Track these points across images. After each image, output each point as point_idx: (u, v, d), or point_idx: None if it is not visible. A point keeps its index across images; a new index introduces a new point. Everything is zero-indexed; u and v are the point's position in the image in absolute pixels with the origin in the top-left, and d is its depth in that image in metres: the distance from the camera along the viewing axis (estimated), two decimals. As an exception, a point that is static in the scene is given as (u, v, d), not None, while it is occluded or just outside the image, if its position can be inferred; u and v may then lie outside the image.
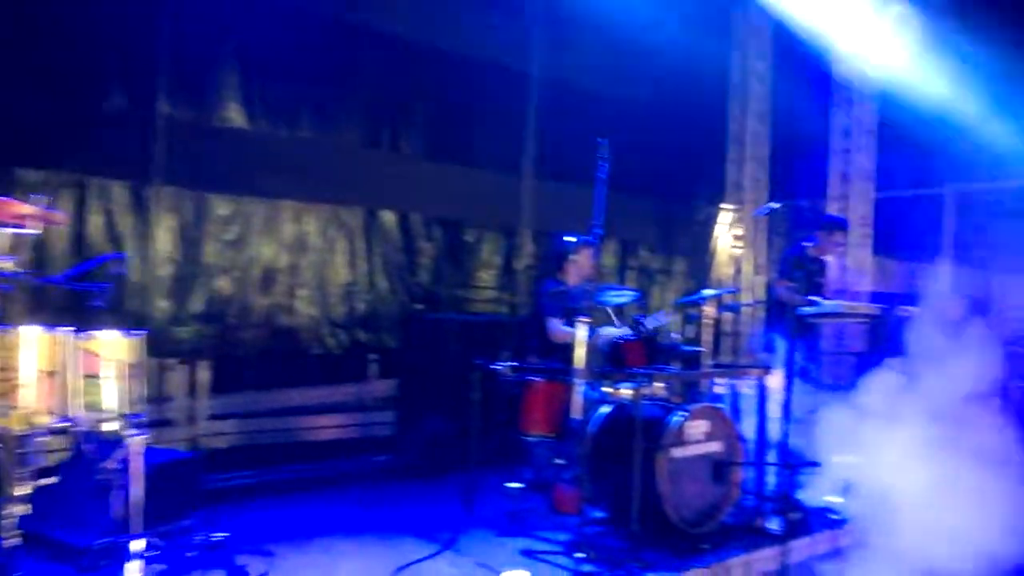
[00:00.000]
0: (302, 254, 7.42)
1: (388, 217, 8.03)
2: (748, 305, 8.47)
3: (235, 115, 6.98)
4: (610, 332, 4.81)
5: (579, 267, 5.16)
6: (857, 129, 9.11)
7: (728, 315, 8.96)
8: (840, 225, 6.11)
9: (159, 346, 6.60)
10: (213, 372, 6.50)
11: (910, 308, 5.68)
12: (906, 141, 8.84)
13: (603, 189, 3.76)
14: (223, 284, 6.95)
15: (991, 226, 9.56)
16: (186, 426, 6.24)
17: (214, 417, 6.44)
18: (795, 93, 9.32)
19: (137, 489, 3.40)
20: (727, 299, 7.67)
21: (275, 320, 7.25)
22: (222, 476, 5.59)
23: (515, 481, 4.62)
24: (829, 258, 6.27)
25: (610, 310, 4.90)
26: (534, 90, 8.82)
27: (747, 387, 4.68)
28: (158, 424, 6.04)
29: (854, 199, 9.08)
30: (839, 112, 9.19)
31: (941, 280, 9.56)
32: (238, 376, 6.89)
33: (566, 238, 5.18)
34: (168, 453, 4.26)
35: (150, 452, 3.62)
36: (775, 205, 4.75)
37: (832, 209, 9.05)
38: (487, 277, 8.75)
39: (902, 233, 9.21)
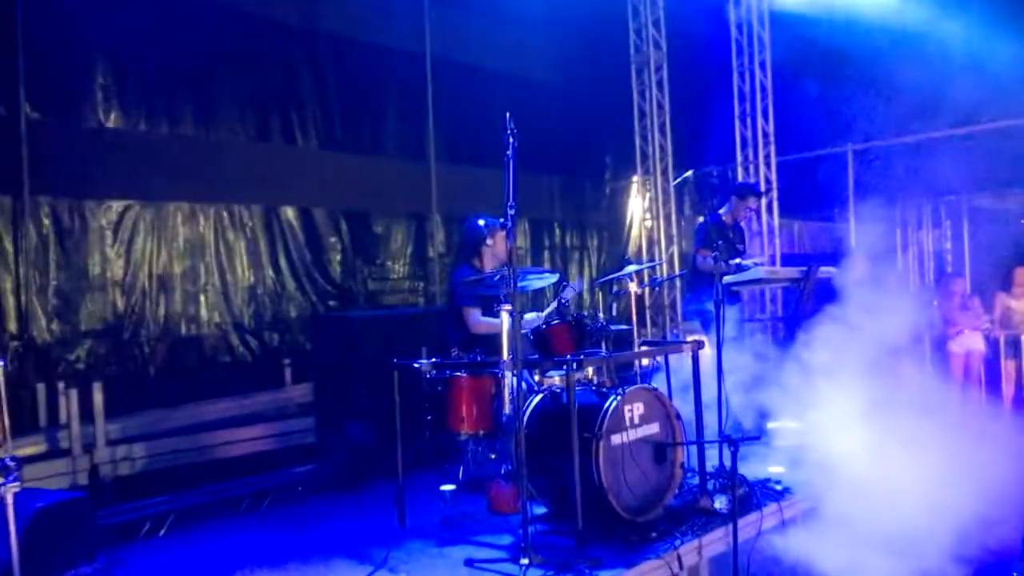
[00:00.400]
0: (199, 258, 7.10)
1: (290, 213, 7.68)
2: (670, 279, 8.45)
3: (111, 115, 6.57)
4: (534, 317, 4.61)
5: (494, 252, 4.92)
6: (757, 92, 9.19)
7: (651, 289, 8.94)
8: (753, 190, 6.09)
9: (46, 370, 6.15)
10: (110, 393, 5.98)
11: (829, 269, 5.70)
12: (807, 101, 8.97)
13: (513, 167, 3.53)
14: (113, 297, 6.60)
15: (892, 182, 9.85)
16: (83, 456, 5.71)
17: (114, 442, 5.93)
18: (696, 59, 9.33)
19: (12, 544, 2.96)
20: (649, 273, 7.62)
21: (176, 331, 6.92)
22: (128, 507, 5.16)
23: (448, 483, 4.38)
24: (742, 223, 6.25)
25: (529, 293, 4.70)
26: (434, 73, 8.61)
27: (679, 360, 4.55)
28: (50, 456, 5.61)
29: (757, 162, 9.17)
30: (739, 76, 9.25)
31: (849, 238, 9.82)
32: (139, 395, 6.50)
33: (479, 222, 4.93)
34: (50, 495, 3.79)
35: (26, 497, 3.18)
36: (688, 174, 4.60)
37: (739, 174, 9.13)
38: (400, 268, 8.53)
39: (809, 193, 9.37)
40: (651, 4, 9.47)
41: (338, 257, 8.03)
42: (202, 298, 7.06)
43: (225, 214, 7.23)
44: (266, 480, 5.81)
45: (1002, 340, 8.18)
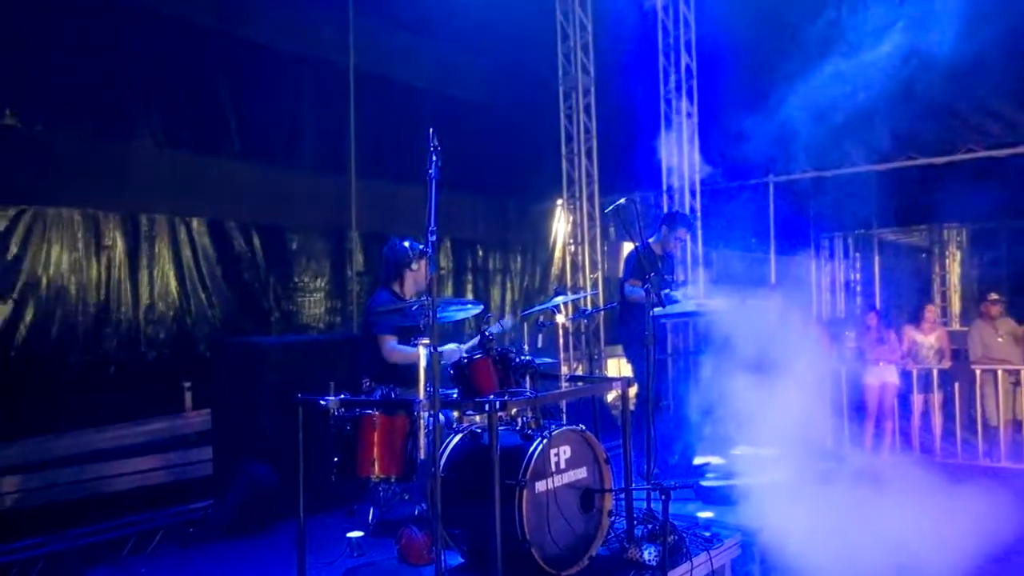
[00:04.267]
0: (96, 270, 6.57)
1: (199, 225, 7.20)
2: (597, 310, 8.29)
3: (5, 113, 6.02)
4: (454, 349, 4.32)
5: (417, 277, 4.63)
6: (684, 121, 9.19)
7: (580, 321, 8.77)
8: (684, 221, 5.98)
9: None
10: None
11: (757, 302, 5.63)
12: (732, 131, 9.01)
13: (435, 186, 3.25)
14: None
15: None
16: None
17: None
18: (625, 85, 9.30)
19: None
20: (581, 304, 7.45)
21: (65, 349, 6.36)
22: (-2, 550, 4.59)
23: (355, 528, 4.03)
24: (675, 252, 6.16)
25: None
26: (357, 86, 8.34)
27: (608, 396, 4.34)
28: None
29: (682, 191, 9.16)
30: (665, 103, 9.24)
31: (768, 268, 9.93)
32: (17, 421, 5.89)
33: (404, 244, 4.63)
34: None
35: None
36: (621, 201, 4.43)
37: (664, 202, 9.10)
38: (317, 285, 8.14)
39: (731, 223, 9.41)
40: (580, 29, 9.41)
41: (250, 274, 7.60)
42: (96, 314, 6.50)
43: (128, 223, 6.73)
44: (156, 518, 5.32)
45: (915, 374, 8.35)
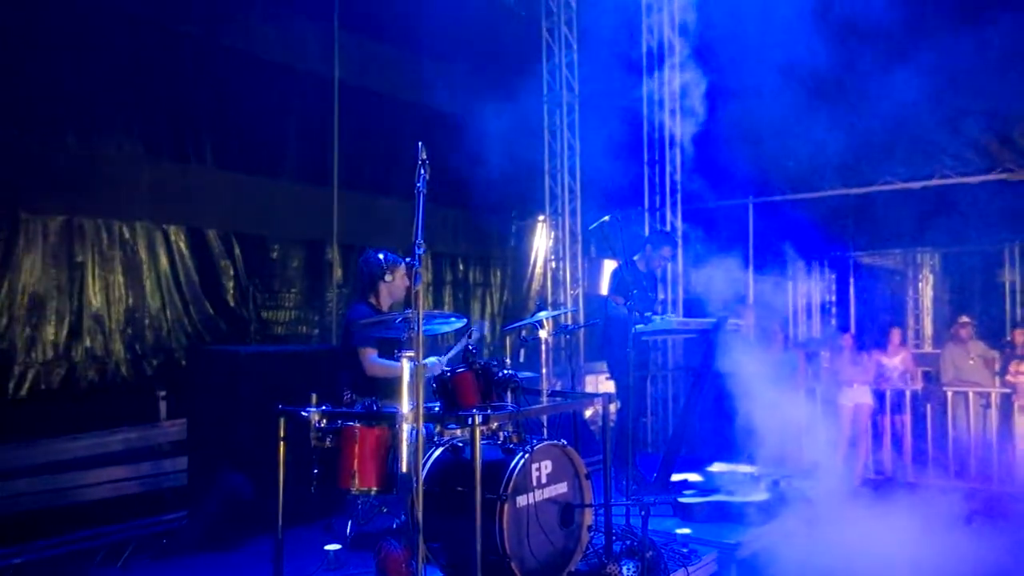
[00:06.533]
0: (73, 277, 6.46)
1: (176, 233, 7.11)
2: (578, 327, 8.32)
3: None
4: (436, 363, 4.31)
5: (391, 289, 4.62)
6: (666, 141, 9.30)
7: (561, 336, 8.79)
8: (668, 240, 6.05)
9: None
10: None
11: (737, 321, 5.68)
12: (712, 154, 9.14)
13: (422, 200, 3.26)
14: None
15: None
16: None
17: (-52, 485, 5.21)
18: (609, 103, 9.39)
19: None
20: (560, 320, 7.48)
21: (39, 355, 6.23)
22: (-37, 563, 4.48)
23: (333, 541, 3.99)
24: (657, 271, 6.21)
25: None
26: (341, 98, 8.33)
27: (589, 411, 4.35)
28: None
29: (665, 210, 9.25)
30: (648, 124, 9.34)
31: (746, 288, 10.03)
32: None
33: (379, 256, 4.62)
34: None
35: None
36: (605, 219, 4.46)
37: (646, 220, 9.18)
38: (296, 296, 8.08)
39: (713, 242, 9.50)
40: (566, 48, 9.51)
41: (230, 283, 7.52)
42: (73, 319, 6.40)
43: (104, 230, 6.62)
44: (128, 530, 5.22)
45: (888, 395, 8.46)
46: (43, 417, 6.12)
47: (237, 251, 7.59)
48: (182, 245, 7.20)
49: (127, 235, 6.81)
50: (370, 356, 4.41)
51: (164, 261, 7.05)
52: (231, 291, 7.54)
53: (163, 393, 6.80)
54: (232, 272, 7.55)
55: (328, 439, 3.56)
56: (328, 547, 4.00)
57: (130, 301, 6.80)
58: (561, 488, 3.72)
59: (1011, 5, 7.34)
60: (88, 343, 6.52)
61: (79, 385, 6.46)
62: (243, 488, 4.83)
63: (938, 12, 7.92)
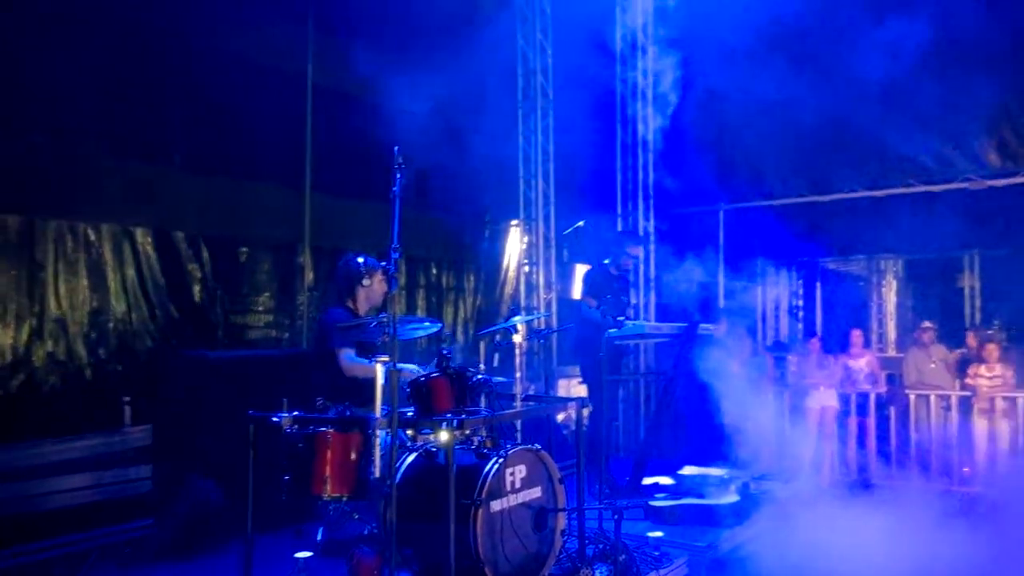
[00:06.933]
0: (33, 280, 6.29)
1: (142, 235, 6.99)
2: (551, 331, 8.32)
3: None
4: (413, 370, 4.28)
5: (369, 293, 4.59)
6: (639, 147, 9.37)
7: (535, 341, 8.79)
8: (633, 238, 6.08)
9: None
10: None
11: (708, 326, 5.73)
12: (685, 162, 9.22)
13: (398, 204, 3.25)
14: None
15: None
16: None
17: None
18: (583, 109, 9.43)
19: None
20: (534, 324, 7.47)
21: (-1, 358, 6.10)
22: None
23: (304, 548, 3.93)
24: (628, 273, 6.25)
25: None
26: (314, 100, 8.26)
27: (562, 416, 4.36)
28: None
29: (638, 214, 9.31)
30: (622, 129, 9.41)
31: (717, 293, 10.13)
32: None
33: (358, 259, 4.58)
34: None
35: None
36: (580, 224, 4.47)
37: (618, 224, 9.23)
38: (266, 300, 7.96)
39: (682, 248, 9.59)
40: (541, 53, 9.53)
41: (197, 286, 7.40)
42: (35, 322, 6.26)
43: (68, 231, 6.49)
44: (91, 538, 5.10)
45: (853, 398, 8.59)
46: (2, 423, 5.98)
47: (205, 254, 7.47)
48: (148, 248, 7.07)
49: (92, 236, 6.68)
50: (347, 354, 4.36)
51: (130, 263, 6.93)
52: (198, 294, 7.43)
53: (128, 398, 6.67)
54: (200, 275, 7.43)
55: (299, 444, 3.51)
56: (298, 554, 3.95)
57: (94, 304, 6.67)
58: (535, 492, 3.72)
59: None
60: (50, 347, 6.39)
61: (40, 390, 6.31)
62: (211, 494, 4.75)
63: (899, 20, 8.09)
